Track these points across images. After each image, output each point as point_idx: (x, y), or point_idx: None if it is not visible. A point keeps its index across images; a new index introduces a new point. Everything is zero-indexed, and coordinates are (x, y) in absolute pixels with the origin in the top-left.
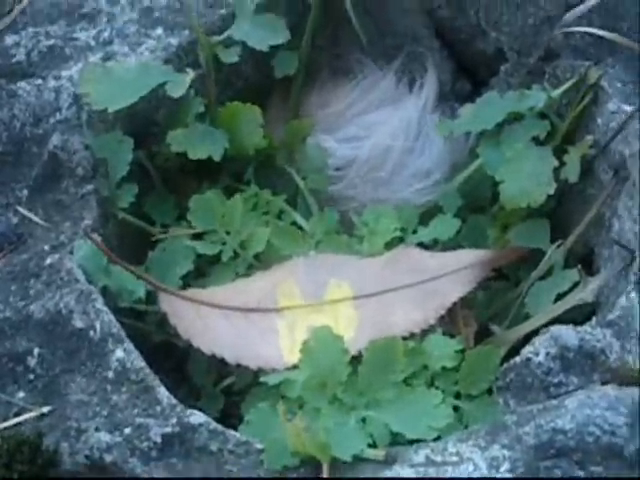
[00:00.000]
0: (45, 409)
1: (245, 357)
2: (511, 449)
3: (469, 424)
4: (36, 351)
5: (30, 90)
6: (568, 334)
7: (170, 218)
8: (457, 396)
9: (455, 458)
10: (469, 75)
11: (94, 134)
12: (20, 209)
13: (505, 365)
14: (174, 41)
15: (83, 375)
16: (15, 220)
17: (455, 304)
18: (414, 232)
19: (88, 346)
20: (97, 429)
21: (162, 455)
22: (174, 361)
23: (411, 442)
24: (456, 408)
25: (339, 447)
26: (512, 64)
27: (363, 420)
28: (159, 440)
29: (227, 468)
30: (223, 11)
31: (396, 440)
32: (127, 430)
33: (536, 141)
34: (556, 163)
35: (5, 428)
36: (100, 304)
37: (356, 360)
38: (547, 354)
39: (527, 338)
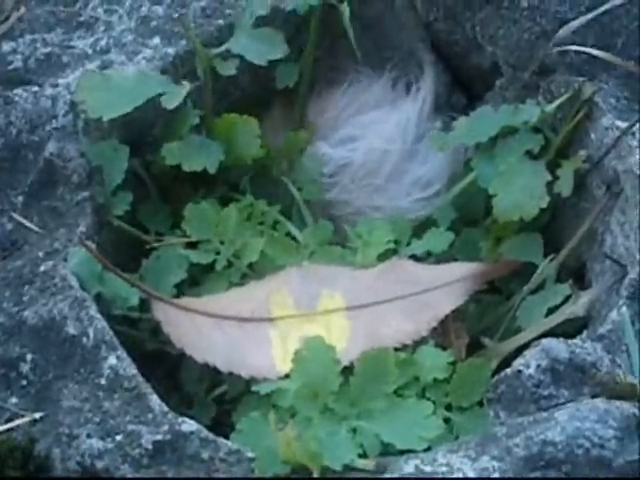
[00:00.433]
0: (37, 415)
1: (237, 366)
2: (501, 460)
3: (460, 435)
4: (29, 357)
5: (27, 97)
6: (559, 347)
7: (165, 226)
8: (448, 408)
9: (445, 469)
10: (464, 89)
11: (90, 142)
12: (15, 216)
13: (496, 377)
14: (171, 50)
15: (76, 382)
16: (10, 226)
17: (447, 316)
18: (408, 244)
19: (81, 353)
20: (89, 435)
21: (153, 462)
22: (167, 369)
23: (402, 452)
24: (447, 420)
25: (330, 456)
26: (507, 78)
27: (354, 430)
28: (150, 447)
29: (218, 476)
30: (221, 21)
31: (387, 450)
32: (119, 437)
33: (530, 155)
34: (549, 177)
35: None
36: (93, 311)
37: (348, 370)
38: (538, 366)
39: (518, 351)
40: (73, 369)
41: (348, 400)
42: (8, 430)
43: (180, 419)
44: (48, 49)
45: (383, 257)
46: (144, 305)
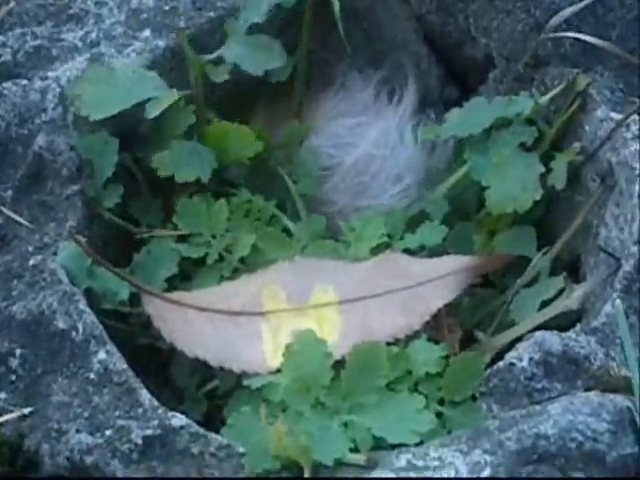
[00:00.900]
0: (26, 410)
1: (228, 360)
2: (493, 454)
3: (452, 430)
4: (18, 352)
5: (16, 90)
6: (552, 340)
7: (156, 220)
8: (441, 402)
9: (437, 463)
10: (458, 81)
11: (80, 135)
12: (4, 210)
13: (488, 370)
14: (161, 43)
15: (65, 376)
16: None
17: (440, 310)
18: (401, 238)
19: (70, 347)
20: (78, 431)
21: (143, 457)
22: (158, 364)
23: (394, 447)
24: (440, 414)
25: (321, 451)
26: (501, 70)
27: (345, 424)
28: (140, 442)
29: (208, 471)
30: (212, 14)
31: (379, 445)
32: (108, 432)
33: (523, 147)
34: (543, 169)
35: None
36: (83, 305)
37: (340, 364)
38: (531, 360)
39: (512, 345)
40: (62, 364)
41: (340, 394)
42: None
43: (170, 414)
44: (37, 42)
45: (376, 251)
46: (135, 299)
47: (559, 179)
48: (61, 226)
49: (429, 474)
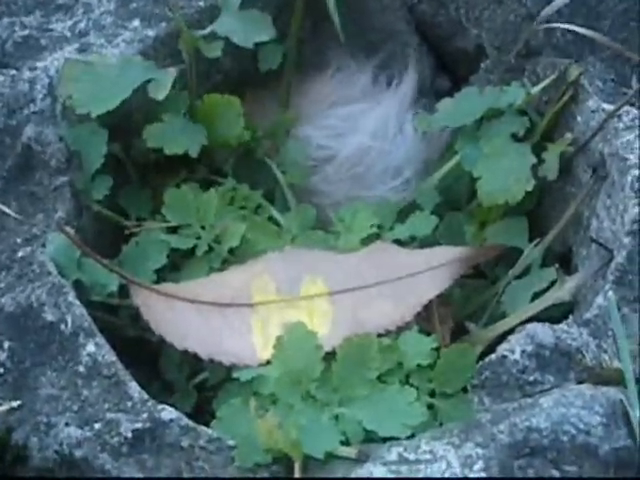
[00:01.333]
0: (15, 403)
1: (218, 353)
2: (485, 447)
3: (444, 422)
4: (6, 344)
5: (4, 81)
6: (544, 332)
7: (145, 211)
8: (432, 394)
9: (428, 456)
10: (449, 72)
11: (68, 126)
12: None
13: (480, 363)
14: (151, 33)
15: (54, 369)
16: None
17: (431, 301)
18: (391, 229)
19: (59, 340)
20: (67, 424)
21: (132, 451)
22: (147, 356)
23: (385, 440)
24: (431, 406)
25: (311, 444)
26: (492, 61)
27: (336, 417)
28: (130, 435)
29: (198, 464)
30: (202, 3)
31: (370, 437)
32: (97, 425)
33: (515, 138)
34: (535, 160)
35: None
36: (72, 297)
37: (330, 357)
38: (523, 352)
39: (504, 337)
40: (51, 356)
41: (330, 387)
42: None
43: (160, 407)
44: (26, 32)
45: (366, 241)
46: (124, 291)
47: (551, 170)
48: (50, 217)
49: (421, 467)
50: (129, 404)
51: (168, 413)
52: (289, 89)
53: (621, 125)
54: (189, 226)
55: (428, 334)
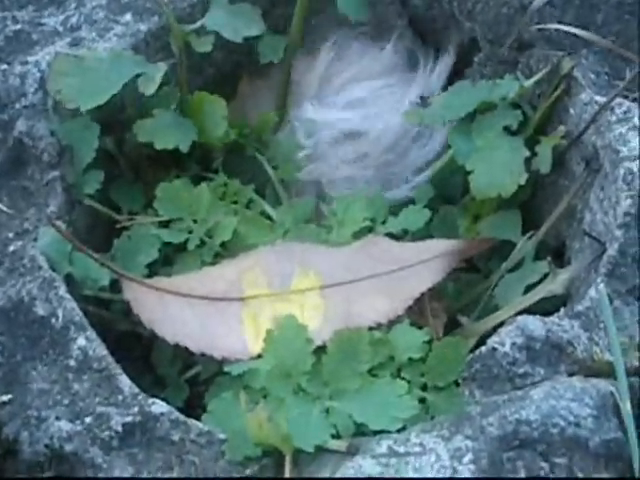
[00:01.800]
0: (5, 397)
1: (209, 346)
2: (475, 440)
3: (435, 416)
4: None
5: None
6: (535, 324)
7: (137, 206)
8: (424, 387)
9: (418, 449)
10: None
11: (60, 120)
12: None
13: (471, 355)
14: (143, 27)
15: (44, 363)
16: None
17: (424, 295)
18: (383, 222)
19: (50, 334)
20: (58, 418)
21: (123, 444)
22: (139, 350)
23: (376, 433)
24: (422, 399)
25: (301, 438)
26: (486, 54)
27: (327, 411)
28: (120, 429)
29: (189, 458)
30: None
31: (360, 431)
32: (88, 419)
33: (508, 131)
34: (528, 153)
35: None
36: (63, 291)
37: (321, 350)
38: (513, 344)
39: (496, 330)
40: (42, 351)
41: (321, 380)
42: None
43: (150, 400)
44: (18, 26)
45: (358, 235)
46: (116, 286)
47: (544, 163)
48: (41, 212)
49: (410, 460)
50: (120, 398)
51: (159, 407)
52: (288, 81)
53: (614, 118)
54: (181, 220)
55: (420, 327)
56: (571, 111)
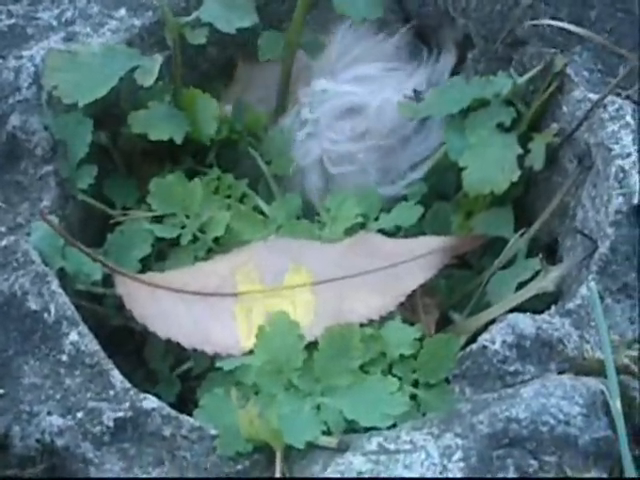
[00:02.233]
0: None
1: (201, 342)
2: (464, 438)
3: (426, 413)
4: None
5: None
6: (525, 322)
7: (131, 201)
8: (415, 384)
9: (408, 446)
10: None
11: (54, 114)
12: None
13: (461, 353)
14: (137, 22)
15: (36, 358)
16: None
17: (415, 291)
18: (376, 219)
19: (42, 328)
20: (49, 413)
21: (114, 440)
22: (132, 345)
23: (367, 429)
24: (414, 396)
25: (292, 434)
26: (479, 50)
27: (318, 407)
28: (111, 424)
29: (180, 454)
30: None
31: (352, 427)
32: (79, 414)
33: (501, 128)
34: (521, 150)
35: None
36: (55, 286)
37: (313, 346)
38: (503, 342)
39: (487, 327)
40: (34, 345)
41: (312, 376)
42: None
43: (142, 396)
44: (12, 21)
45: (351, 231)
46: (109, 280)
47: (537, 160)
48: (35, 206)
49: (400, 457)
50: (111, 393)
51: (150, 402)
52: (288, 79)
53: (607, 115)
54: (174, 215)
55: (412, 324)
56: (564, 108)
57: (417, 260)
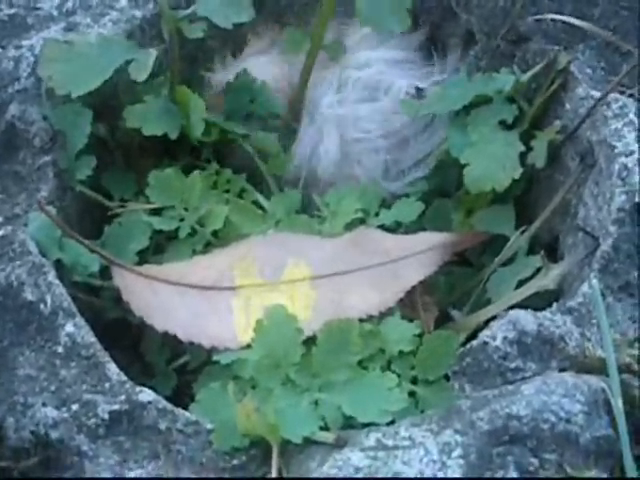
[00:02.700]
0: None
1: (198, 335)
2: (464, 434)
3: (425, 409)
4: None
5: None
6: (526, 319)
7: (129, 193)
8: (414, 381)
9: (407, 442)
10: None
11: (53, 105)
12: None
13: (461, 349)
14: (138, 13)
15: (32, 349)
16: None
17: (415, 288)
18: (376, 214)
19: (38, 319)
20: (44, 404)
21: (109, 433)
22: (129, 338)
23: (365, 425)
24: (412, 393)
25: (289, 429)
26: (482, 47)
27: (315, 402)
28: (107, 417)
29: (175, 447)
30: None
31: (349, 423)
32: (74, 406)
33: (503, 125)
34: (523, 148)
35: None
36: (52, 277)
37: (311, 341)
38: (504, 338)
39: (487, 324)
40: (29, 336)
41: (310, 371)
42: None
43: (138, 389)
44: (13, 10)
45: (350, 227)
46: (107, 273)
47: (539, 158)
48: (32, 197)
49: (399, 453)
50: (107, 385)
51: (146, 395)
52: (308, 79)
53: (609, 113)
54: (172, 208)
55: (411, 320)
56: (567, 106)
57: (417, 256)
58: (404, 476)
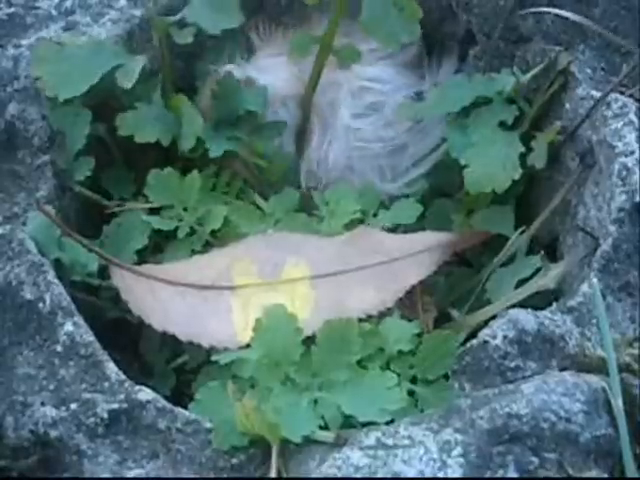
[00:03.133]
0: None
1: (197, 335)
2: (464, 433)
3: (424, 409)
4: None
5: None
6: (527, 318)
7: (128, 193)
8: (413, 380)
9: (406, 441)
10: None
11: (52, 105)
12: None
13: (462, 348)
14: (137, 13)
15: (31, 348)
16: None
17: (414, 287)
18: (375, 215)
19: (37, 319)
20: (43, 403)
21: (108, 432)
22: (128, 338)
23: (364, 425)
24: (412, 392)
25: (289, 428)
26: (482, 47)
27: (315, 401)
28: (106, 416)
29: (175, 447)
30: None
31: (349, 422)
32: (73, 405)
33: (503, 126)
34: (523, 148)
35: None
36: (51, 276)
37: (311, 340)
38: (505, 337)
39: (487, 324)
40: (28, 335)
41: (310, 371)
42: None
43: (137, 388)
44: (12, 10)
45: (350, 226)
46: (106, 272)
47: (539, 158)
48: (31, 196)
49: (399, 452)
50: (106, 384)
51: (145, 394)
52: (318, 79)
53: (610, 113)
54: (171, 208)
55: (410, 320)
56: (567, 106)
57: (416, 256)
58: (404, 475)
